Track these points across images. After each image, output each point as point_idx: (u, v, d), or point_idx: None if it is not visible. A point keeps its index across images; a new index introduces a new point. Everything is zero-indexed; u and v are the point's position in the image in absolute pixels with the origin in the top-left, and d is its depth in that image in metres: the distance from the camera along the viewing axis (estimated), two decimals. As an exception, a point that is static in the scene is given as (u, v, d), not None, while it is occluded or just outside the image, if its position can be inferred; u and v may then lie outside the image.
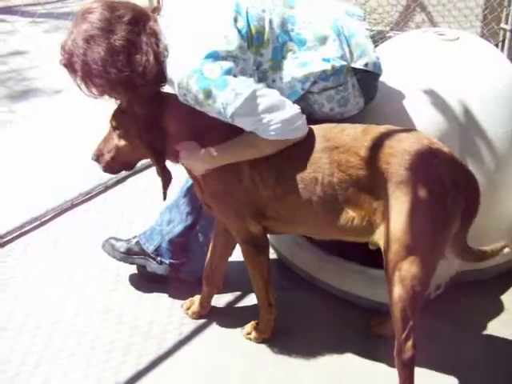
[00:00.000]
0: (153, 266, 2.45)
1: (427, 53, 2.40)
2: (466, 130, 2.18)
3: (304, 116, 1.87)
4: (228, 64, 1.81)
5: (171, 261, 2.43)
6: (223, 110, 1.82)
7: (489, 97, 2.26)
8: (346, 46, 1.98)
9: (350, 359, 2.14)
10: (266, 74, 1.91)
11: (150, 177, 3.28)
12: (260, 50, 1.89)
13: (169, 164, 2.06)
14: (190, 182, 2.29)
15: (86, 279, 2.58)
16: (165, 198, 2.08)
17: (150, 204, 3.06)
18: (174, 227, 2.40)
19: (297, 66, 1.92)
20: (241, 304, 2.41)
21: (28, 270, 2.65)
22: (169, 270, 2.45)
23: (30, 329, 2.31)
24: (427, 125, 2.12)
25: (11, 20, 5.12)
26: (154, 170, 3.22)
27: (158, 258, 2.44)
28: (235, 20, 1.85)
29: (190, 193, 2.35)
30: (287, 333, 2.24)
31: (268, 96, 1.83)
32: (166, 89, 2.01)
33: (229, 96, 1.80)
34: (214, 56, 1.80)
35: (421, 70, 2.31)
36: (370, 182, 1.82)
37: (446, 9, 4.65)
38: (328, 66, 1.92)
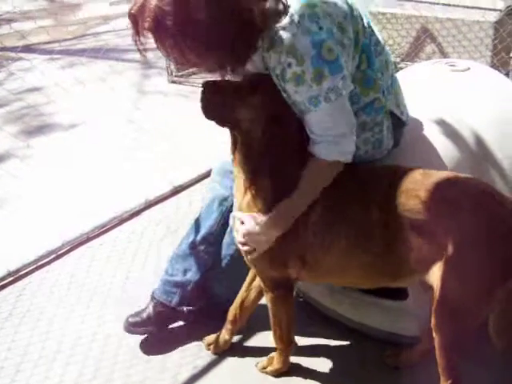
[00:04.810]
0: (181, 318, 2.40)
1: (438, 83, 2.42)
2: (479, 160, 2.18)
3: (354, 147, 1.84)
4: (341, 49, 1.73)
5: (194, 307, 2.37)
6: (325, 94, 1.70)
7: (501, 126, 2.26)
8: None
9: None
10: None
11: (163, 211, 3.31)
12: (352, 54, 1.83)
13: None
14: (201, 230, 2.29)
15: (101, 312, 2.58)
16: None
17: (164, 237, 3.07)
18: (193, 275, 2.33)
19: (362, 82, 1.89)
20: (256, 338, 2.38)
21: (44, 304, 2.66)
22: (193, 315, 2.39)
23: (45, 362, 2.32)
24: (439, 155, 2.12)
25: (29, 58, 5.26)
26: (166, 204, 3.30)
27: (184, 308, 2.36)
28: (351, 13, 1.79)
29: (205, 239, 2.32)
30: (304, 366, 2.21)
31: (348, 114, 1.79)
32: None
33: (338, 83, 1.71)
34: (333, 35, 1.69)
35: (432, 101, 2.33)
36: (426, 228, 1.73)
37: (456, 39, 4.69)
38: (381, 97, 1.93)
